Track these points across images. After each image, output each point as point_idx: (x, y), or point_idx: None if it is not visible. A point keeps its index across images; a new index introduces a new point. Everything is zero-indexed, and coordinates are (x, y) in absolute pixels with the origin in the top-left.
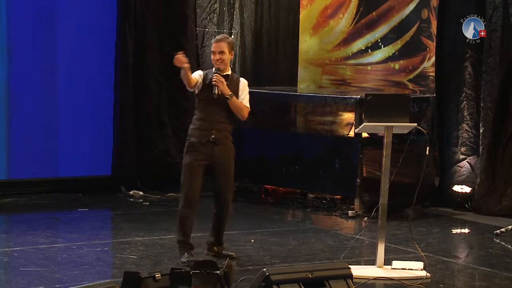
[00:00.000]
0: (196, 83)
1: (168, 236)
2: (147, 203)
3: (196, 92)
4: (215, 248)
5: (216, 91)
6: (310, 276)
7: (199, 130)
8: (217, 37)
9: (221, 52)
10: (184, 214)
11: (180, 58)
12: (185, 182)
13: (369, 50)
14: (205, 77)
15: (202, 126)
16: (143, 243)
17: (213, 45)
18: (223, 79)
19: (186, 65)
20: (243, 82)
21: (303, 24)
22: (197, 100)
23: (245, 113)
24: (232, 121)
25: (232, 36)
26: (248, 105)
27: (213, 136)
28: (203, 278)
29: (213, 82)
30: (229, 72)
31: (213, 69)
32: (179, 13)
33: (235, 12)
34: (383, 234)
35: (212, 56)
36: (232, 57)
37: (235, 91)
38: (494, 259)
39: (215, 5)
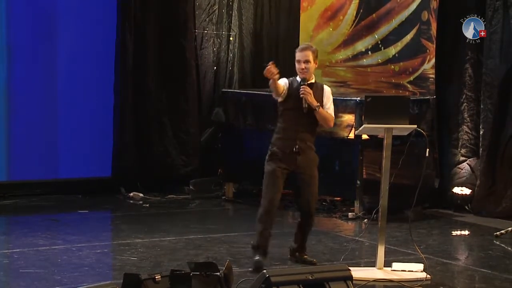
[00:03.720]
0: (282, 91)
1: (168, 238)
2: (147, 205)
3: (280, 100)
4: (296, 254)
5: (305, 104)
6: (310, 277)
7: (283, 140)
8: (301, 45)
9: (306, 61)
10: (264, 220)
11: (271, 70)
12: (268, 189)
13: (369, 52)
14: (290, 85)
15: (286, 136)
16: (143, 244)
17: (298, 54)
18: (310, 91)
19: (276, 76)
20: (327, 90)
21: (303, 26)
22: (281, 108)
23: (331, 123)
24: (315, 131)
25: (231, 38)
26: (333, 114)
27: (297, 146)
28: (203, 280)
29: (301, 95)
30: (313, 81)
31: (297, 77)
32: (179, 14)
33: (233, 14)
34: (383, 236)
35: (296, 65)
36: (317, 65)
37: (320, 100)
38: (494, 261)
39: (214, 7)
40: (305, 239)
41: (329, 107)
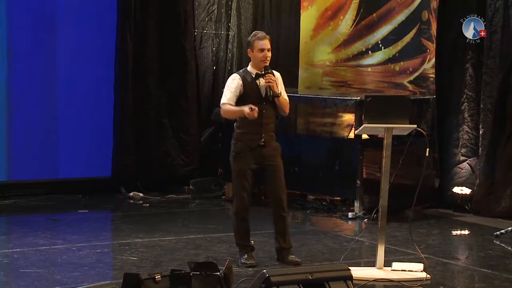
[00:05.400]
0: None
1: (168, 238)
2: (147, 205)
3: (238, 95)
4: (283, 253)
5: (270, 93)
6: (310, 277)
7: (249, 134)
8: (259, 34)
9: (269, 50)
10: (240, 218)
11: (255, 115)
12: (238, 188)
13: (370, 52)
14: (244, 80)
15: (251, 130)
16: (143, 244)
17: (260, 42)
18: (275, 79)
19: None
20: (278, 76)
21: (303, 25)
22: (242, 104)
23: (288, 108)
24: (276, 120)
25: (230, 38)
26: (287, 99)
27: (262, 140)
28: (203, 280)
29: (267, 83)
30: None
31: (248, 68)
32: (179, 14)
33: (232, 14)
34: (383, 236)
35: (259, 54)
36: None
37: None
38: (494, 260)
39: (213, 6)
40: (287, 235)
41: (284, 92)
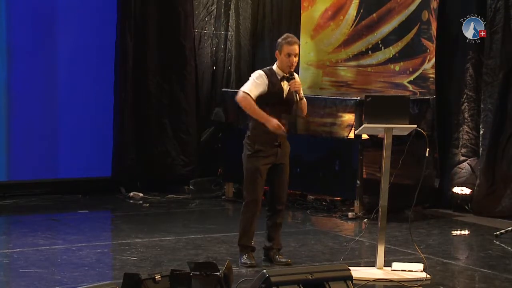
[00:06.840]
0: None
1: (168, 238)
2: (147, 205)
3: (260, 93)
4: (271, 253)
5: (297, 98)
6: (310, 277)
7: (266, 135)
8: (289, 38)
9: (296, 55)
10: (252, 218)
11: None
12: (254, 187)
13: (370, 52)
14: (270, 81)
15: (267, 131)
16: (143, 244)
17: (289, 47)
18: (299, 84)
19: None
20: (297, 76)
21: (304, 26)
22: (262, 103)
23: (306, 110)
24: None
25: (229, 38)
26: (305, 100)
27: (278, 141)
28: (203, 280)
29: (295, 89)
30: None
31: (274, 68)
32: (179, 14)
33: (231, 14)
34: (383, 236)
35: (285, 59)
36: None
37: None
38: (494, 260)
39: (212, 6)
40: (280, 235)
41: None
